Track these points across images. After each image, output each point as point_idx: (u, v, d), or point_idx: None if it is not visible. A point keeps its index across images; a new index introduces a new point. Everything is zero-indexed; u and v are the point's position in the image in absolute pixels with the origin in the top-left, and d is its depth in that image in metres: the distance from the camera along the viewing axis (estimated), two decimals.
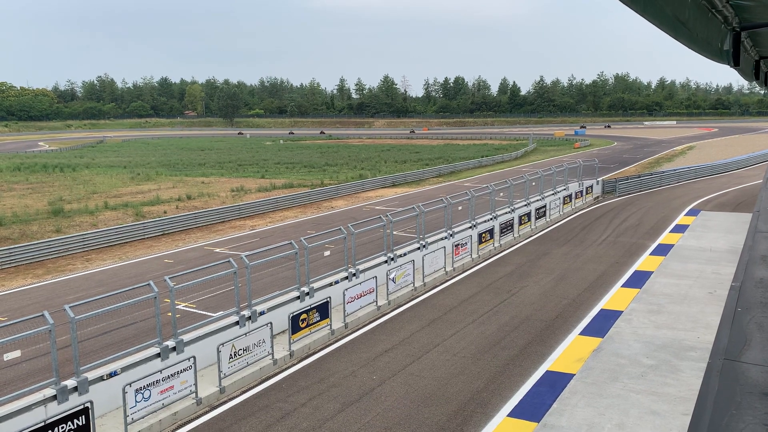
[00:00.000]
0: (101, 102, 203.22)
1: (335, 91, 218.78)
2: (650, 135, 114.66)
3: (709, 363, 3.24)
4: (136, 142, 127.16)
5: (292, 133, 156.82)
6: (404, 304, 20.53)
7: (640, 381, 13.66)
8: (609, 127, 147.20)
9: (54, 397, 11.83)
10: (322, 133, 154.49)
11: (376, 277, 19.97)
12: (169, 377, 13.25)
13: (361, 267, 20.43)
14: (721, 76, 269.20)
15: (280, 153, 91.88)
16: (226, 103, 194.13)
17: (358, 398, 13.91)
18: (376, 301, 19.73)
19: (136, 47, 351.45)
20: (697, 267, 22.64)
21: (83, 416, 11.59)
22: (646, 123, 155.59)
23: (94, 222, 35.94)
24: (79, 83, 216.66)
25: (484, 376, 14.80)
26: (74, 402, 11.94)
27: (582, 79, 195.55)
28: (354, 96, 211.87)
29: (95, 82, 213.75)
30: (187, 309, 19.63)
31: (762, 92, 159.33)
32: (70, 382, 12.19)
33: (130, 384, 12.47)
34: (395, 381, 14.71)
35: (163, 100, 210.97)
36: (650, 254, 25.65)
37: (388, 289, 20.37)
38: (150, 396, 12.84)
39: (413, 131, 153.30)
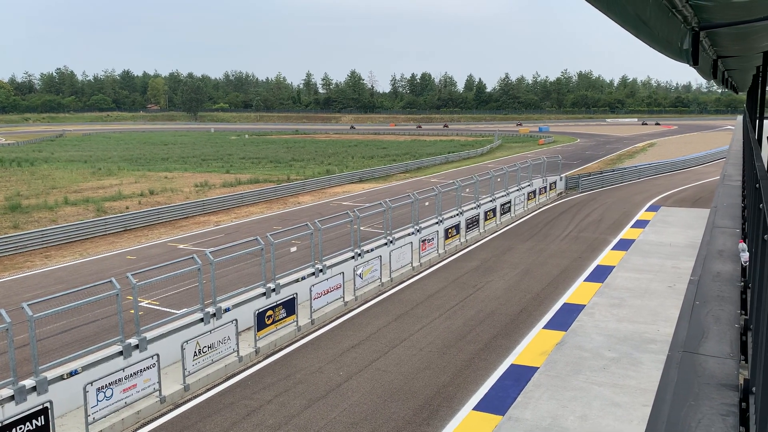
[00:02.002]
0: (60, 95, 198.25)
1: (302, 86, 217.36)
2: (612, 132, 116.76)
3: (669, 355, 3.31)
4: (98, 136, 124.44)
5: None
6: (371, 299, 20.55)
7: (602, 373, 13.92)
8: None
9: (11, 398, 11.54)
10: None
11: (343, 272, 19.94)
12: (131, 375, 13.03)
13: (328, 263, 20.37)
14: (680, 74, 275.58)
15: (246, 148, 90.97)
16: (190, 96, 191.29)
17: (325, 394, 13.89)
18: (343, 297, 19.71)
19: (97, 39, 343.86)
20: (658, 261, 23.15)
21: (42, 416, 11.33)
22: (608, 120, 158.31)
23: (53, 218, 35.09)
24: (38, 75, 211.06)
25: (450, 371, 14.92)
26: (33, 402, 11.66)
27: (546, 77, 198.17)
28: (321, 91, 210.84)
29: (54, 74, 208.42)
30: (151, 306, 19.32)
31: (719, 91, 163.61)
32: (29, 382, 11.90)
33: (91, 383, 12.22)
34: (362, 377, 14.73)
35: (125, 94, 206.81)
36: (612, 249, 26.16)
37: (355, 285, 20.36)
38: (112, 395, 12.61)
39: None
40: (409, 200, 25.86)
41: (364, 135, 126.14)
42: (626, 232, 29.29)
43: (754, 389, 3.01)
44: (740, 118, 41.58)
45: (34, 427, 11.17)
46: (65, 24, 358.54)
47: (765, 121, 15.01)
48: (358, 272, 20.64)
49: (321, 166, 63.43)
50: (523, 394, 13.16)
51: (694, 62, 4.80)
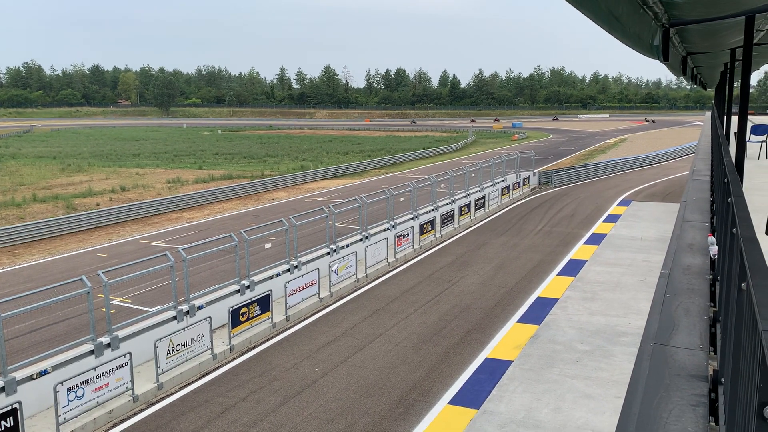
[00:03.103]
0: (28, 89, 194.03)
1: (275, 81, 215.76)
2: (584, 128, 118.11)
3: (640, 348, 3.36)
4: (67, 132, 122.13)
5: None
6: (347, 295, 20.53)
7: (575, 366, 14.10)
8: (557, 119, 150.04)
9: None
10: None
11: (318, 269, 19.88)
12: (103, 374, 12.84)
13: (303, 259, 20.29)
14: (651, 71, 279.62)
15: (219, 143, 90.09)
16: (162, 92, 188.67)
17: (300, 391, 13.85)
18: (319, 293, 19.66)
19: (65, 32, 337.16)
20: (629, 255, 23.50)
21: (11, 417, 11.11)
22: (580, 116, 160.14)
23: (21, 215, 34.38)
24: (3, 69, 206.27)
25: (426, 365, 14.98)
26: (1, 403, 11.43)
27: (519, 73, 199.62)
28: (295, 86, 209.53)
29: (21, 68, 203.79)
30: (123, 304, 19.06)
31: (689, 87, 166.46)
32: None
33: (61, 383, 12.02)
34: (337, 372, 14.71)
35: (95, 89, 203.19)
36: (584, 243, 26.48)
37: (330, 281, 20.32)
38: (83, 394, 12.42)
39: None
40: (384, 196, 25.87)
41: (339, 131, 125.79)
42: (598, 227, 29.67)
43: (723, 379, 3.07)
44: (709, 113, 42.36)
45: (2, 428, 10.96)
46: (32, 17, 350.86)
47: (732, 117, 15.32)
48: (334, 268, 20.60)
49: (296, 161, 63.10)
50: (497, 388, 13.27)
51: (665, 58, 4.87)
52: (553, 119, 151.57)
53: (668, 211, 30.76)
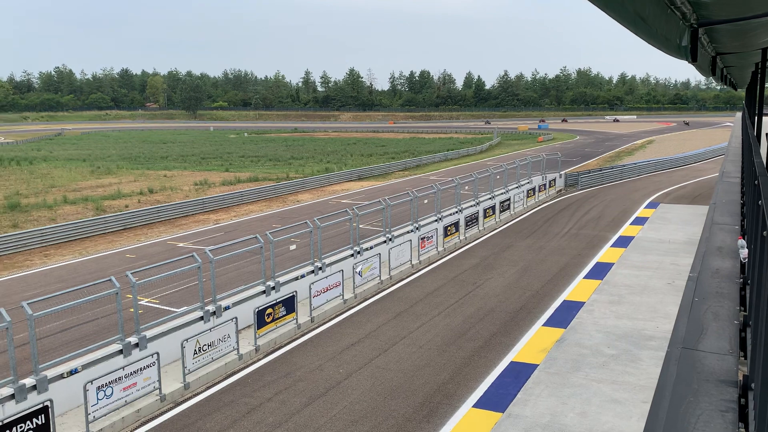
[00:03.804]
0: (59, 93, 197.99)
1: (300, 84, 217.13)
2: (611, 129, 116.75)
3: (668, 352, 3.32)
4: (96, 135, 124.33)
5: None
6: (370, 297, 20.56)
7: (602, 370, 13.95)
8: (565, 121, 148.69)
9: (12, 396, 11.54)
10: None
11: (342, 270, 19.95)
12: (131, 374, 13.04)
13: (327, 261, 20.37)
14: (679, 71, 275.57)
15: (245, 146, 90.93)
16: (189, 95, 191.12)
17: (325, 392, 13.90)
18: (343, 295, 19.72)
19: (95, 37, 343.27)
20: (657, 258, 23.17)
21: (42, 415, 11.34)
22: (607, 117, 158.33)
23: (52, 216, 35.06)
24: (36, 74, 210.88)
25: (450, 368, 14.94)
26: (33, 401, 11.67)
27: (545, 74, 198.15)
28: (320, 89, 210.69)
29: (53, 72, 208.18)
30: (150, 305, 19.33)
31: (718, 88, 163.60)
32: (29, 381, 11.90)
33: (91, 381, 12.23)
34: (362, 374, 14.74)
35: (124, 92, 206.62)
36: (611, 246, 26.17)
37: (354, 283, 20.37)
38: (112, 393, 12.62)
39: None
40: (408, 198, 25.86)
41: (363, 133, 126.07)
42: (625, 229, 29.30)
43: (753, 385, 3.02)
44: (739, 114, 41.59)
45: (34, 425, 11.18)
46: (64, 22, 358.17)
47: (764, 118, 15.02)
48: (358, 270, 20.65)
49: (320, 164, 63.41)
50: (522, 391, 13.18)
51: (693, 59, 4.80)
52: (562, 120, 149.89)
53: (697, 214, 30.26)
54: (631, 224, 30.44)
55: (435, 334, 17.07)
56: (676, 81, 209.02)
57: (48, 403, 11.48)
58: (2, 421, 10.78)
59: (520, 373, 14.32)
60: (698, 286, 4.50)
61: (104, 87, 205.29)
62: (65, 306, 13.05)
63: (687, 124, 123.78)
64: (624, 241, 26.48)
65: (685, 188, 41.89)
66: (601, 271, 22.16)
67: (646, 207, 34.87)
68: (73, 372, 12.61)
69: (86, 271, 24.27)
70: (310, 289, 18.37)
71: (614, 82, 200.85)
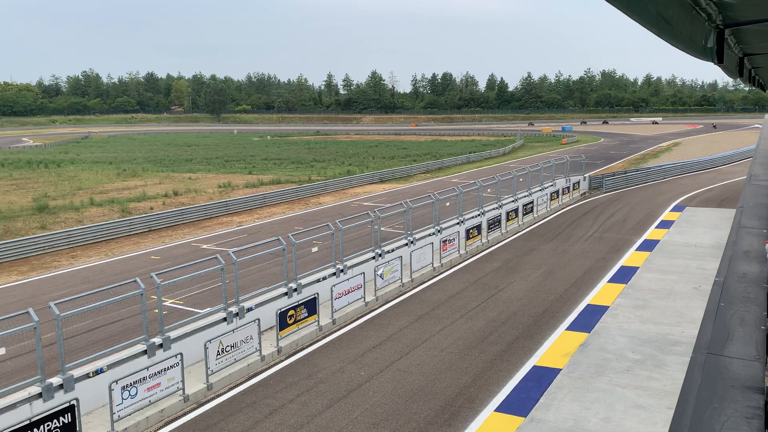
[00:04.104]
0: (86, 97, 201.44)
1: (323, 87, 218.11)
2: (636, 131, 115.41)
3: (692, 357, 3.27)
4: (122, 138, 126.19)
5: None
6: (392, 299, 20.56)
7: (626, 375, 13.78)
8: (606, 123, 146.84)
9: (39, 395, 11.74)
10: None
11: (363, 273, 19.98)
12: (155, 374, 13.19)
13: (348, 263, 20.42)
14: (706, 73, 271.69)
15: (268, 149, 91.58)
16: (213, 98, 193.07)
17: (346, 394, 13.93)
18: (364, 297, 19.75)
19: (121, 42, 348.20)
20: (683, 262, 22.84)
21: (69, 414, 11.52)
22: (632, 119, 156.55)
23: (79, 218, 35.65)
24: (64, 78, 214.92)
25: (472, 372, 14.87)
26: (60, 400, 11.86)
27: (569, 76, 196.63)
28: (342, 92, 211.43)
29: (80, 77, 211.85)
30: (174, 306, 19.54)
31: (746, 89, 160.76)
32: (56, 380, 12.10)
33: (116, 381, 12.40)
34: (383, 377, 14.74)
35: (150, 96, 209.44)
36: (636, 250, 25.85)
37: (375, 285, 20.39)
38: (137, 393, 12.78)
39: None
40: (429, 200, 25.82)
41: (385, 135, 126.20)
42: (651, 233, 28.93)
43: None
44: None
45: (61, 424, 11.37)
46: (91, 27, 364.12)
47: None
48: (379, 272, 20.67)
49: (342, 166, 63.60)
50: (545, 396, 13.07)
51: (719, 61, 4.73)
52: (603, 122, 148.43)
53: (724, 217, 29.77)
54: (656, 228, 30.04)
55: (457, 338, 17.00)
56: (703, 82, 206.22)
57: (74, 402, 11.66)
58: (30, 420, 10.98)
59: (542, 377, 14.21)
60: (724, 290, 4.43)
61: (130, 91, 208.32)
62: (91, 306, 13.25)
63: (715, 127, 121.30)
64: (649, 245, 26.13)
65: (711, 191, 41.24)
66: (625, 275, 21.91)
67: (671, 210, 34.38)
68: (98, 372, 12.80)
69: (112, 272, 24.63)
70: (332, 291, 18.43)
71: (639, 83, 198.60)
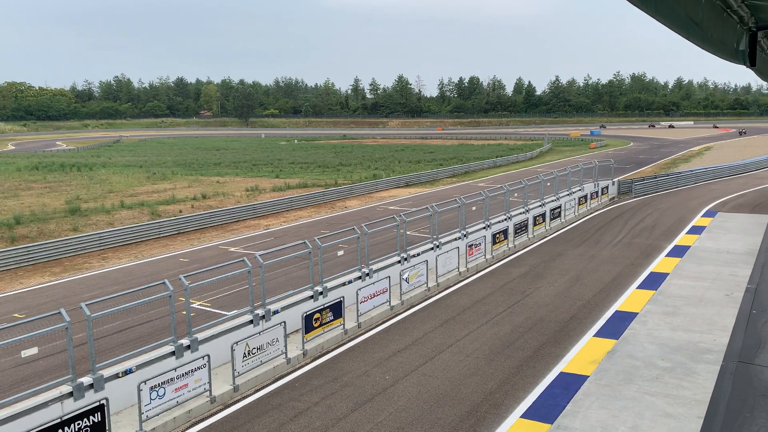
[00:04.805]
0: (118, 102, 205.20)
1: (350, 91, 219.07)
2: (667, 135, 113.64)
3: (723, 365, 3.21)
4: (152, 142, 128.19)
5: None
6: (417, 304, 20.52)
7: (655, 383, 13.55)
8: (672, 127, 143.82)
9: (70, 394, 11.95)
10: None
11: (389, 276, 19.98)
12: (183, 375, 13.34)
13: (374, 267, 20.44)
14: (739, 76, 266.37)
15: (295, 153, 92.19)
16: (242, 103, 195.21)
17: (371, 398, 13.93)
18: (390, 301, 19.74)
19: (152, 47, 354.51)
20: (714, 269, 22.40)
21: (99, 413, 11.71)
22: (663, 123, 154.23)
23: (110, 221, 36.27)
24: (96, 83, 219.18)
25: (498, 377, 14.76)
26: (90, 399, 12.06)
27: (598, 79, 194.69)
28: (368, 96, 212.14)
29: (112, 82, 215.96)
30: (202, 308, 19.76)
31: None
32: (86, 380, 12.31)
33: (145, 382, 12.57)
34: (408, 381, 14.71)
35: (179, 100, 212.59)
36: (666, 256, 25.44)
37: (401, 289, 20.37)
38: (165, 394, 12.94)
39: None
40: (455, 205, 25.73)
41: (411, 140, 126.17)
42: (681, 239, 28.44)
43: None
44: None
45: (91, 423, 11.56)
46: (122, 33, 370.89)
47: None
48: (405, 276, 20.64)
49: (368, 170, 63.73)
50: (572, 403, 12.91)
51: (752, 63, 4.65)
52: (650, 126, 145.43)
53: (757, 223, 29.13)
54: (687, 233, 29.53)
55: (482, 343, 16.90)
56: (736, 85, 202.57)
57: (104, 402, 11.84)
58: (61, 418, 11.18)
59: (569, 384, 14.04)
60: (756, 297, 4.34)
61: (160, 95, 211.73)
62: (121, 308, 13.47)
63: (743, 133, 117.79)
64: (680, 251, 25.69)
65: (744, 197, 40.39)
66: (655, 281, 21.56)
67: (703, 216, 33.77)
68: (127, 372, 12.98)
69: (141, 273, 25.00)
70: (357, 294, 18.46)
71: (670, 87, 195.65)
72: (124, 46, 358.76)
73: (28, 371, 15.15)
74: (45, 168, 69.82)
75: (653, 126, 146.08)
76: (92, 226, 34.53)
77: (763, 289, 4.55)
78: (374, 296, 19.18)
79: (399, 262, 21.52)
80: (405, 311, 19.82)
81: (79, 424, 11.36)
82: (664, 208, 36.83)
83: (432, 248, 23.33)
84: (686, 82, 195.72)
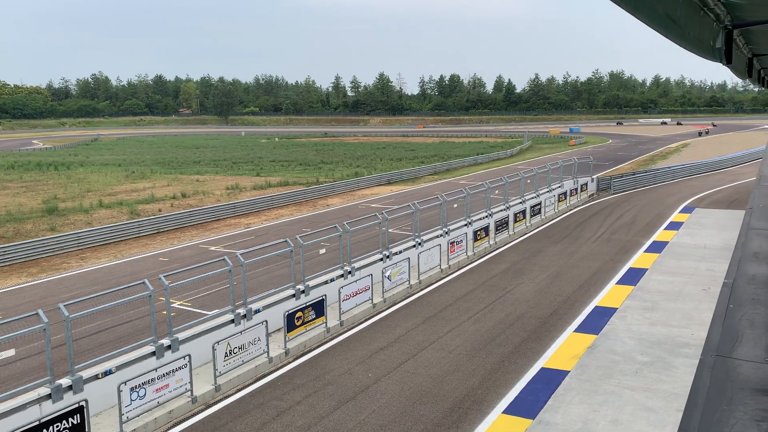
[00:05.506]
0: (96, 100, 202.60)
1: (330, 89, 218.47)
2: (645, 132, 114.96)
3: (701, 359, 3.26)
4: (131, 140, 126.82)
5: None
6: (400, 301, 20.55)
7: (635, 378, 13.72)
8: (620, 124, 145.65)
9: (48, 396, 11.80)
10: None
11: (371, 274, 19.98)
12: (164, 375, 13.23)
13: (356, 265, 20.43)
14: (715, 73, 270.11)
15: (276, 151, 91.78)
16: (221, 100, 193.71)
17: (354, 396, 13.93)
18: (372, 299, 19.75)
19: (130, 45, 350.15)
20: (692, 264, 22.73)
21: (78, 415, 11.58)
22: (641, 120, 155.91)
23: (88, 220, 35.84)
24: (74, 81, 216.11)
25: (480, 374, 14.84)
26: (69, 401, 11.92)
27: (577, 77, 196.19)
28: (349, 94, 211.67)
29: (89, 79, 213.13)
30: (182, 307, 19.61)
31: (756, 90, 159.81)
32: (65, 381, 12.16)
33: (125, 382, 12.45)
34: (391, 378, 14.74)
35: (158, 98, 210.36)
36: (645, 251, 25.74)
37: (383, 287, 20.39)
38: (145, 394, 12.83)
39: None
40: (437, 202, 25.80)
41: (393, 137, 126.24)
42: (659, 234, 28.79)
43: None
44: None
45: (70, 425, 11.42)
46: (100, 30, 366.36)
47: None
48: (387, 274, 20.66)
49: (350, 168, 63.66)
50: (553, 398, 13.04)
51: (728, 61, 4.72)
52: (617, 123, 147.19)
53: (733, 219, 29.58)
54: (665, 229, 29.90)
55: (464, 339, 16.98)
56: (712, 83, 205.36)
57: (83, 403, 11.72)
58: (40, 420, 11.04)
59: (550, 379, 14.16)
60: (733, 292, 4.41)
61: (139, 93, 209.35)
62: (100, 308, 13.32)
63: (714, 126, 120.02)
64: (658, 247, 26.01)
65: (721, 192, 41.00)
66: (634, 276, 21.81)
67: (680, 211, 34.21)
68: (107, 373, 12.85)
69: (121, 273, 24.74)
70: (340, 293, 18.44)
71: (648, 84, 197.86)
72: (101, 43, 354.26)
73: (5, 373, 14.92)
74: (21, 167, 68.77)
75: (620, 123, 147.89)
76: (70, 226, 34.09)
77: (739, 284, 4.61)
78: (356, 294, 19.17)
79: (381, 259, 21.53)
80: (387, 309, 19.84)
81: (57, 426, 11.22)
82: (642, 205, 37.26)
83: (414, 246, 23.37)
84: (663, 79, 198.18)
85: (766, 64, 10.82)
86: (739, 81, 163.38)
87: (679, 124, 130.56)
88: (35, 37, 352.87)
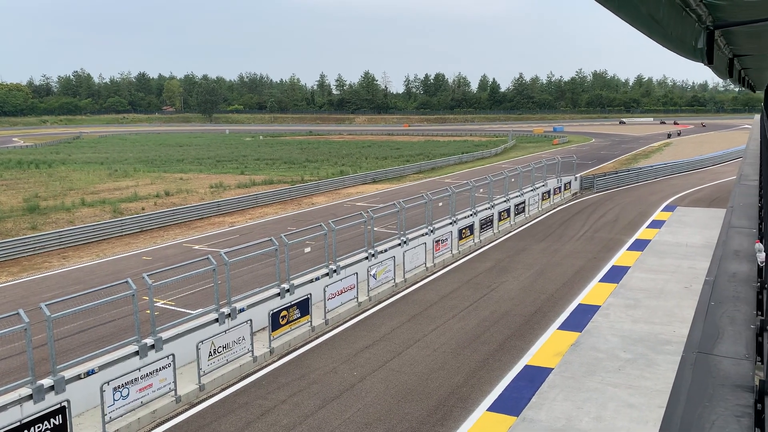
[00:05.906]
0: (77, 97, 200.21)
1: (315, 87, 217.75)
2: (627, 131, 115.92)
3: (683, 356, 3.29)
4: (114, 138, 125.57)
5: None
6: (385, 300, 20.57)
7: (618, 374, 13.85)
8: (623, 123, 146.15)
9: (30, 397, 11.68)
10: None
11: (356, 273, 19.98)
12: (147, 375, 13.14)
13: (341, 263, 20.41)
14: (697, 73, 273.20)
15: (260, 149, 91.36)
16: (205, 98, 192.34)
17: (339, 394, 13.92)
18: (357, 298, 19.74)
19: (113, 42, 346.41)
20: (674, 262, 22.97)
21: (60, 415, 11.46)
22: (623, 119, 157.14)
23: (70, 219, 35.46)
24: (55, 78, 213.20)
25: (464, 371, 14.90)
26: (51, 401, 11.80)
27: (561, 77, 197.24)
28: (335, 92, 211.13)
29: (71, 77, 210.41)
30: (166, 306, 19.47)
31: (736, 90, 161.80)
32: (47, 381, 12.04)
33: (107, 382, 12.35)
34: (376, 377, 14.75)
35: (141, 96, 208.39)
36: (627, 249, 25.97)
37: (368, 286, 20.39)
38: (128, 394, 12.73)
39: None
40: (422, 201, 25.85)
41: (378, 136, 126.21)
42: (642, 233, 29.07)
43: None
44: (758, 116, 41.14)
45: (51, 425, 11.30)
46: (82, 27, 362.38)
47: None
48: (372, 273, 20.67)
49: (335, 167, 63.55)
50: (537, 395, 13.12)
51: (709, 61, 4.77)
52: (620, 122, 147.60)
53: (715, 217, 29.95)
54: (647, 227, 30.19)
55: (449, 338, 17.03)
56: (693, 83, 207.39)
57: (65, 404, 11.60)
58: (21, 421, 10.91)
59: (534, 376, 14.25)
60: (714, 289, 4.46)
61: (122, 91, 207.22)
62: (83, 307, 13.20)
63: (704, 125, 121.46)
64: (640, 245, 26.26)
65: (702, 191, 41.48)
66: (617, 274, 22.01)
67: (662, 210, 34.56)
68: (90, 373, 12.74)
69: (103, 272, 24.51)
70: (325, 291, 18.42)
71: (630, 84, 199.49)
72: (83, 40, 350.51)
73: None
74: (1, 165, 67.83)
75: (623, 122, 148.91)
76: (52, 225, 33.71)
77: (720, 282, 4.67)
78: (342, 293, 19.16)
79: (366, 258, 21.54)
80: (372, 307, 19.85)
81: (39, 427, 11.10)
82: (625, 203, 37.59)
83: (399, 244, 23.40)
84: (646, 79, 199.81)
85: (747, 65, 10.96)
86: (720, 81, 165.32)
87: (675, 123, 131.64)
88: (16, 33, 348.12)
